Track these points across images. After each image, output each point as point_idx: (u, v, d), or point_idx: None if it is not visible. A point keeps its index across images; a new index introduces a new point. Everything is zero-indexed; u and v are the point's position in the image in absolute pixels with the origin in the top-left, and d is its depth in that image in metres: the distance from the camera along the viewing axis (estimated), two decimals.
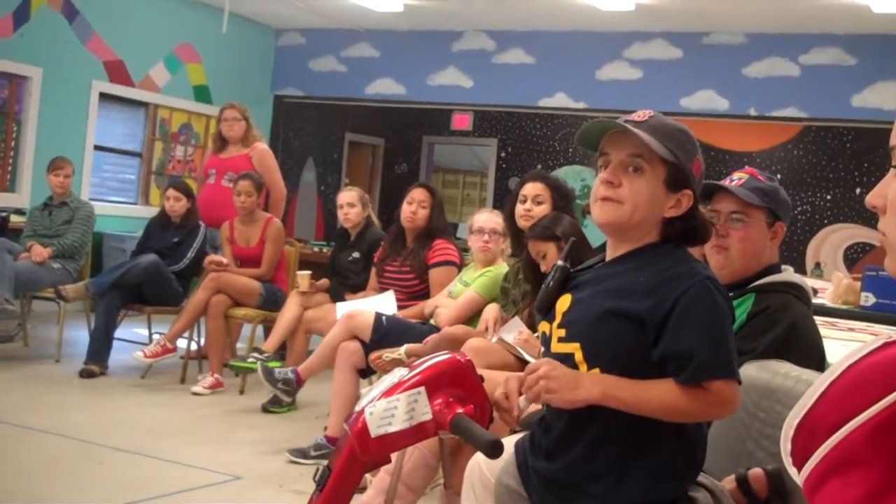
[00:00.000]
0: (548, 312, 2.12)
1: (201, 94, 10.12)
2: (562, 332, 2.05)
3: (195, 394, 5.80)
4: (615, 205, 2.02)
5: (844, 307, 4.35)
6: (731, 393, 1.95)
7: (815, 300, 3.25)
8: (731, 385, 1.95)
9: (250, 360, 5.53)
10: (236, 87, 10.07)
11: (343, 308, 5.16)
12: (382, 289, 5.30)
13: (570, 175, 9.71)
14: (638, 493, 1.96)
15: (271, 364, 5.52)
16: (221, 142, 6.91)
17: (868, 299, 4.22)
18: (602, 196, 2.03)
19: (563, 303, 2.09)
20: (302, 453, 4.48)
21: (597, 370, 1.97)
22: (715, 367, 1.92)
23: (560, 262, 2.16)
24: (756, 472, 2.00)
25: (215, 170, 6.84)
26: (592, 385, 1.93)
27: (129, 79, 9.36)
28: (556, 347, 2.05)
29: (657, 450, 1.97)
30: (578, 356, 2.00)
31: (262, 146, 6.99)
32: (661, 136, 2.01)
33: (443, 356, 2.22)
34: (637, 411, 1.93)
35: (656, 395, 1.93)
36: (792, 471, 1.17)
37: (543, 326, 2.13)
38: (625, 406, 1.93)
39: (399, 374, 2.20)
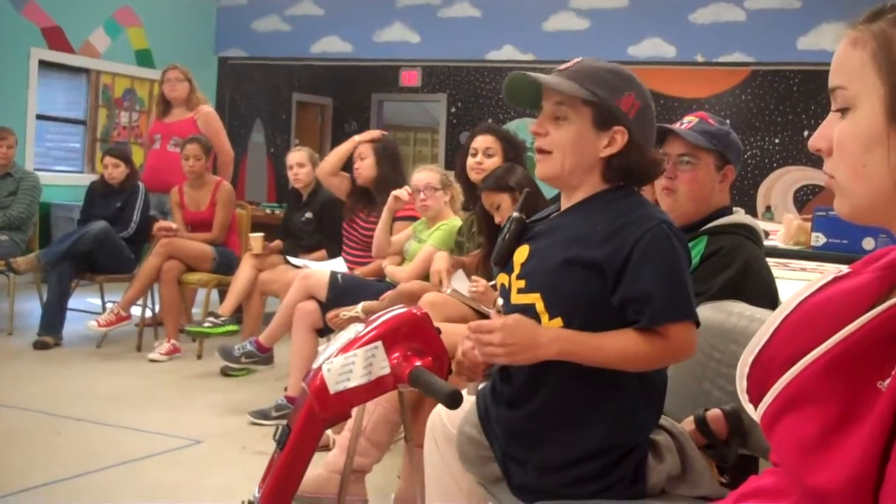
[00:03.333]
0: (505, 264, 2.12)
1: (143, 58, 9.94)
2: (521, 284, 2.05)
3: (152, 360, 5.75)
4: (546, 157, 2.05)
5: (796, 248, 4.40)
6: (688, 336, 1.96)
7: (766, 242, 3.28)
8: (689, 328, 1.96)
9: (206, 324, 5.50)
10: (179, 49, 9.88)
11: (297, 263, 5.14)
12: (349, 244, 5.26)
13: (521, 128, 9.70)
14: (601, 438, 1.98)
15: (227, 329, 5.51)
16: (165, 105, 6.79)
17: (819, 239, 4.27)
18: (536, 148, 2.06)
19: (521, 254, 2.09)
20: (263, 414, 4.47)
21: (558, 319, 1.98)
22: (672, 309, 1.94)
23: (515, 214, 2.16)
24: (714, 412, 2.02)
25: (160, 135, 6.72)
26: (549, 343, 1.93)
27: (68, 45, 9.16)
28: (516, 298, 2.06)
29: (619, 395, 1.99)
30: (539, 306, 2.00)
31: (207, 108, 6.87)
32: (581, 79, 2.02)
33: (398, 310, 2.21)
34: (597, 363, 1.94)
35: (614, 346, 1.93)
36: (748, 407, 1.19)
37: (502, 278, 2.14)
38: (584, 359, 1.94)
39: (355, 329, 2.19)
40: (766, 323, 1.19)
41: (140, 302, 6.13)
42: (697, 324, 1.98)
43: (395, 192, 4.67)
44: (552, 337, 1.94)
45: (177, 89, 6.72)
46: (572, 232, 2.03)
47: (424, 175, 4.59)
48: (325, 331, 4.58)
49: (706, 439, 2.03)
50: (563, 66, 2.07)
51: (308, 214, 5.80)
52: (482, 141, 4.17)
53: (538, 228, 2.12)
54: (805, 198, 8.81)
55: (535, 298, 2.01)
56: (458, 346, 2.17)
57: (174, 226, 6.17)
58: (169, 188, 6.35)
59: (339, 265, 5.15)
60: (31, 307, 6.69)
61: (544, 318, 2.00)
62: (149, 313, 6.30)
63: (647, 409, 2.03)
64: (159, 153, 6.68)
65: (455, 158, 4.65)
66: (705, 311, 2.22)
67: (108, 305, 6.19)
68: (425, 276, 4.44)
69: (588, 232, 1.99)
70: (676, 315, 1.94)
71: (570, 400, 2.00)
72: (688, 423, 2.06)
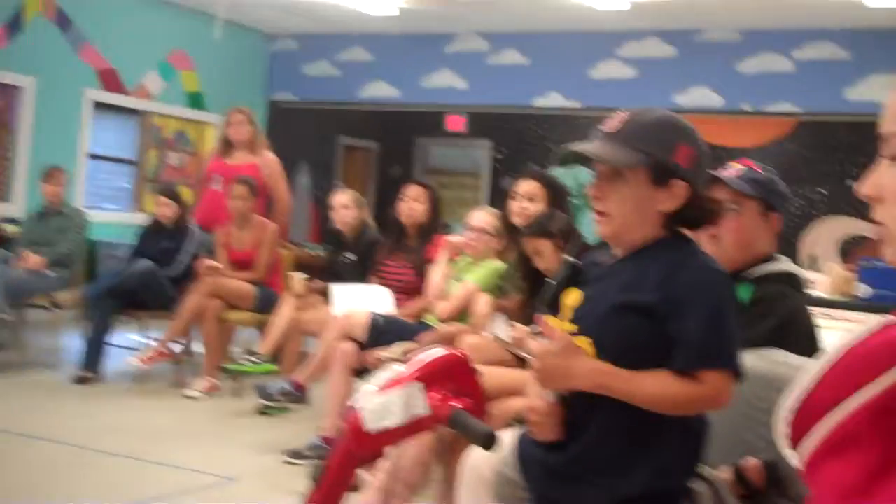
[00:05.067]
0: (555, 307, 2.12)
1: (195, 100, 10.10)
2: (573, 328, 2.05)
3: (189, 397, 5.78)
4: (606, 219, 2.04)
5: (840, 298, 4.34)
6: (724, 384, 1.94)
7: (810, 292, 3.24)
8: (726, 376, 1.94)
9: (245, 362, 5.52)
10: (230, 93, 10.03)
11: (339, 292, 5.14)
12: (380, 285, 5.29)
13: (565, 174, 9.69)
14: (642, 485, 1.96)
15: (265, 368, 5.52)
16: (227, 146, 6.87)
17: (864, 290, 4.21)
18: (595, 210, 2.06)
19: (572, 298, 2.09)
20: (297, 454, 4.46)
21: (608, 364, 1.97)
22: (710, 355, 1.92)
23: (569, 258, 2.17)
24: (752, 462, 2.00)
25: (222, 176, 6.74)
26: (586, 374, 1.94)
27: (122, 87, 9.34)
28: (580, 341, 2.05)
29: (662, 441, 1.97)
30: (590, 351, 2.00)
31: (272, 156, 6.93)
32: (633, 141, 2.00)
33: (439, 351, 2.21)
34: (631, 400, 1.93)
35: (650, 385, 1.92)
36: (788, 453, 1.16)
37: (551, 321, 2.13)
38: (618, 394, 1.93)
39: (395, 369, 2.19)
40: (811, 367, 1.17)
41: (181, 339, 6.17)
42: (738, 374, 1.95)
43: (451, 238, 4.78)
44: (589, 368, 1.94)
45: (241, 132, 6.80)
46: (626, 278, 2.03)
47: (482, 216, 4.61)
48: (362, 372, 4.57)
49: (743, 489, 1.99)
50: (610, 126, 2.04)
51: (351, 256, 5.82)
52: (526, 186, 4.18)
53: (593, 273, 2.13)
54: (849, 248, 8.70)
55: (585, 343, 2.01)
56: (523, 400, 2.17)
57: (219, 265, 6.21)
58: None
59: (384, 294, 5.14)
60: (73, 342, 6.76)
61: None
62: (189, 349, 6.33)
63: (687, 458, 2.01)
64: (219, 194, 6.68)
65: (498, 204, 4.66)
66: (747, 360, 2.19)
67: (150, 342, 6.23)
68: (462, 316, 4.44)
69: (641, 277, 1.99)
70: (714, 362, 1.92)
71: (612, 445, 1.99)
72: (725, 473, 2.03)
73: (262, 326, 6.11)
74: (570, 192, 4.61)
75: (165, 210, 6.40)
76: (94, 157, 9.25)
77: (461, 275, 4.66)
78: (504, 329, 3.78)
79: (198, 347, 6.33)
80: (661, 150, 2.00)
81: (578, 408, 1.99)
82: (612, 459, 1.98)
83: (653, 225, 2.03)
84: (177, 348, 6.21)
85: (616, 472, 1.97)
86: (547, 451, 2.07)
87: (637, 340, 1.96)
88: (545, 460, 2.08)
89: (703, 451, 2.03)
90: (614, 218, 2.03)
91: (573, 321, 2.05)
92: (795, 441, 1.16)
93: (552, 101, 9.84)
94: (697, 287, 1.94)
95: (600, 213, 2.04)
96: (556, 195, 4.19)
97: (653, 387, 1.92)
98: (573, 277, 2.13)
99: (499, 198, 5.50)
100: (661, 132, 2.03)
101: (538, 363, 1.96)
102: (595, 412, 1.97)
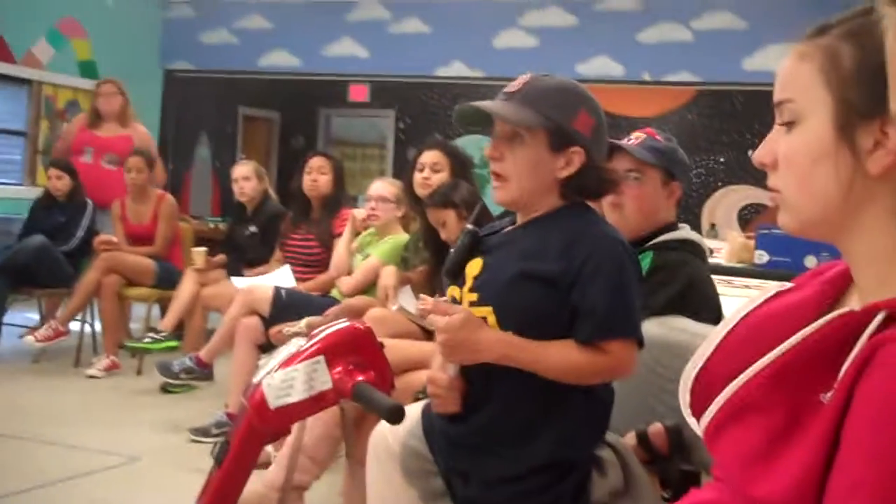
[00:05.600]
0: (457, 276, 2.11)
1: (88, 69, 9.79)
2: (473, 297, 2.04)
3: (90, 377, 5.65)
4: (503, 184, 2.03)
5: (739, 265, 4.44)
6: (628, 354, 1.96)
7: (710, 260, 3.30)
8: (630, 346, 1.96)
9: (146, 339, 5.41)
10: (124, 61, 9.74)
11: (240, 283, 5.08)
12: (286, 260, 5.22)
13: (469, 144, 9.70)
14: (547, 454, 1.96)
15: (167, 344, 5.42)
16: (96, 117, 6.71)
17: (762, 257, 4.31)
18: (492, 173, 2.05)
19: (473, 267, 2.08)
20: (203, 432, 4.40)
21: (509, 333, 1.97)
22: (614, 325, 1.93)
23: (469, 226, 2.14)
24: (655, 427, 2.02)
25: (92, 147, 6.61)
26: (492, 345, 1.93)
27: (10, 55, 8.99)
28: (479, 311, 2.04)
29: (566, 411, 1.98)
30: (491, 320, 1.99)
31: (143, 128, 6.83)
32: (534, 102, 2.00)
33: (341, 324, 2.18)
34: (535, 371, 1.94)
35: (555, 356, 1.93)
36: (692, 421, 1.18)
37: (453, 291, 2.12)
38: (524, 365, 1.94)
39: (297, 344, 2.16)
40: (710, 337, 1.19)
41: (79, 317, 6.01)
42: (641, 343, 1.98)
43: (355, 212, 4.72)
44: (494, 340, 1.94)
45: (111, 103, 6.65)
46: (526, 246, 2.02)
47: (380, 185, 4.59)
48: (267, 347, 4.52)
49: (647, 454, 2.02)
50: (512, 87, 2.05)
51: (253, 228, 5.73)
52: (430, 156, 4.15)
53: (492, 241, 2.11)
54: (749, 216, 8.91)
55: (486, 312, 2.00)
56: (426, 374, 2.15)
57: (115, 239, 6.07)
58: (102, 203, 6.26)
59: (286, 274, 5.09)
60: None
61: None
62: (87, 329, 6.18)
63: (593, 426, 2.03)
64: (91, 167, 6.53)
65: (403, 174, 4.63)
66: (649, 327, 2.21)
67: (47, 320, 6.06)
68: (368, 290, 4.41)
69: (542, 247, 1.99)
70: (618, 332, 1.94)
71: (516, 415, 1.99)
72: (630, 439, 2.05)
73: (162, 302, 5.99)
74: (475, 162, 4.60)
75: (58, 183, 6.21)
76: None
77: (366, 249, 4.62)
78: (410, 301, 3.77)
79: (97, 325, 6.18)
80: (562, 114, 2.00)
81: (480, 379, 1.99)
82: (516, 429, 1.99)
83: (550, 191, 2.03)
84: (75, 326, 6.05)
85: (520, 442, 1.98)
86: (449, 423, 2.07)
87: (539, 310, 1.96)
88: (448, 432, 2.08)
89: (607, 419, 2.05)
90: (511, 181, 2.02)
91: (473, 290, 2.04)
92: (697, 407, 1.17)
93: (455, 70, 9.83)
94: (599, 257, 1.94)
95: (497, 175, 2.04)
96: (461, 165, 4.18)
97: (558, 357, 1.93)
98: (474, 246, 2.11)
99: (404, 169, 5.47)
100: (562, 97, 2.04)
101: (442, 336, 1.95)
102: (497, 383, 1.97)
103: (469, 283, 2.06)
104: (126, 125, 6.69)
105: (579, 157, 2.01)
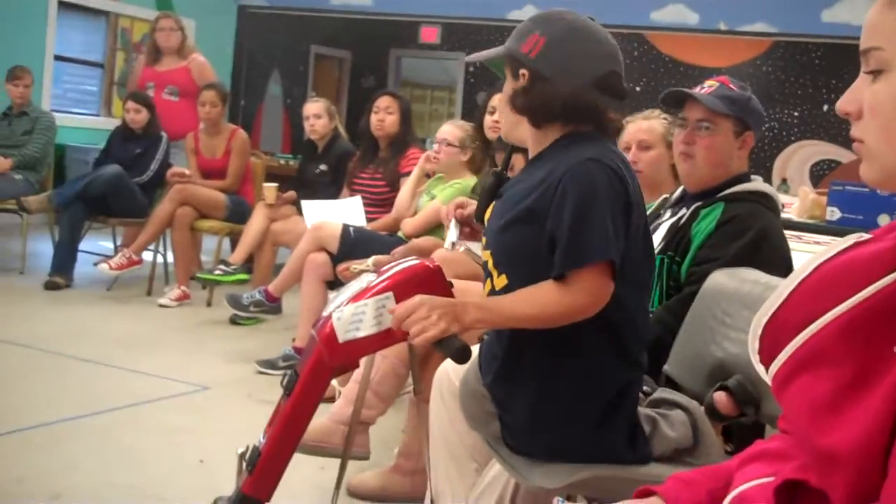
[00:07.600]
0: (482, 220, 2.16)
1: (164, 2, 9.87)
2: (484, 241, 2.08)
3: (162, 306, 5.78)
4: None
5: (810, 221, 4.37)
6: (593, 282, 1.86)
7: (781, 214, 3.26)
8: (595, 272, 1.86)
9: (217, 272, 5.51)
10: None
11: (310, 209, 5.13)
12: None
13: None
14: (571, 399, 1.95)
15: (237, 277, 5.51)
16: (156, 53, 6.80)
17: (834, 213, 4.24)
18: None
19: (489, 212, 2.12)
20: (270, 364, 4.49)
21: (503, 277, 1.98)
22: (573, 253, 1.86)
23: (496, 169, 2.17)
24: (718, 396, 1.98)
25: (153, 83, 6.71)
26: (467, 313, 1.92)
27: None
28: (484, 255, 2.08)
29: (579, 352, 1.95)
30: (490, 263, 2.02)
31: (201, 57, 6.88)
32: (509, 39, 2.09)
33: (411, 262, 2.21)
34: (515, 325, 1.93)
35: (524, 306, 1.90)
36: (760, 368, 1.18)
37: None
38: (499, 325, 1.95)
39: (367, 279, 2.19)
40: (782, 285, 1.17)
41: (152, 247, 6.15)
42: (613, 264, 1.87)
43: (427, 153, 4.71)
44: (471, 306, 1.93)
45: (170, 39, 6.74)
46: (520, 187, 2.02)
47: (447, 129, 4.58)
48: (334, 283, 4.58)
49: (718, 421, 2.01)
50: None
51: (323, 166, 5.77)
52: (500, 99, 4.14)
53: (508, 184, 2.12)
54: (821, 172, 8.74)
55: (487, 256, 2.03)
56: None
57: (188, 172, 6.16)
58: (169, 137, 6.35)
59: (356, 204, 5.13)
60: (43, 248, 6.70)
61: (494, 274, 2.01)
62: (160, 259, 6.32)
63: (617, 362, 1.97)
64: (155, 102, 6.63)
65: (473, 117, 4.63)
66: (719, 277, 2.21)
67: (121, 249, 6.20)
68: (432, 231, 4.44)
69: (529, 184, 1.98)
70: (579, 260, 1.86)
71: (527, 363, 1.99)
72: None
73: (233, 236, 6.09)
74: None
75: (136, 116, 6.30)
76: (60, 58, 9.06)
77: (433, 190, 4.64)
78: (476, 244, 3.78)
79: (169, 256, 6.31)
80: (514, 41, 2.06)
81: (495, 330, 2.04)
82: (529, 377, 1.98)
83: (518, 121, 2.07)
84: (148, 256, 6.19)
85: (536, 392, 1.97)
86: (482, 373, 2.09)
87: (526, 250, 1.94)
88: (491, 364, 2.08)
89: (638, 353, 2.01)
90: (500, 120, 2.13)
91: (485, 234, 2.08)
92: (766, 356, 1.17)
93: (527, 13, 9.65)
94: (566, 181, 1.88)
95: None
96: None
97: (529, 306, 1.89)
98: (496, 188, 2.13)
99: (473, 112, 5.45)
100: (522, 26, 2.08)
101: (427, 310, 1.91)
102: (504, 332, 2.00)
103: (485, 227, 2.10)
104: (184, 57, 6.78)
105: (524, 79, 2.03)
